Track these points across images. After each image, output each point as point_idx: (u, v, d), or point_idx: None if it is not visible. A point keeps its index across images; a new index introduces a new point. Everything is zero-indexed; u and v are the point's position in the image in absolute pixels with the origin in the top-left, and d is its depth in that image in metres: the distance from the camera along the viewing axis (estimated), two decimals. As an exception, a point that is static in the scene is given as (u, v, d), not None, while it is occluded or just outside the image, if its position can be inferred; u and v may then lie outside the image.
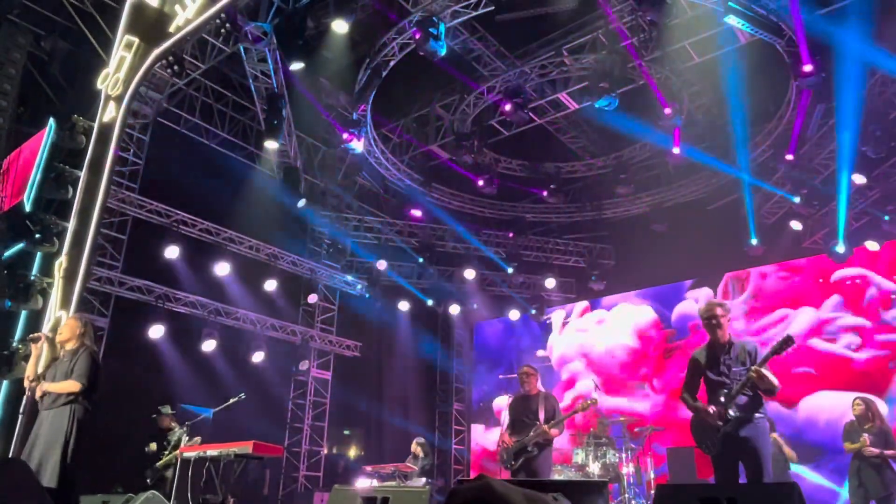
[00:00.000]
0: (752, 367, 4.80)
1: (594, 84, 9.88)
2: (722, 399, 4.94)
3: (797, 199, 11.14)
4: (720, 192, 12.59)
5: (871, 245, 11.17)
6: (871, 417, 7.42)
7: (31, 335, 5.69)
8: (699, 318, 5.32)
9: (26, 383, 5.47)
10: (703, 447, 5.13)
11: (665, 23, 8.86)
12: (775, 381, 4.83)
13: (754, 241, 11.69)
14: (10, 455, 6.43)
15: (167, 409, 9.04)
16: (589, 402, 6.88)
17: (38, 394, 5.25)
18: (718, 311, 5.16)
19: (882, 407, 7.64)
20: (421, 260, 14.39)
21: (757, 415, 4.93)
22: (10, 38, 9.30)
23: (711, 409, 4.97)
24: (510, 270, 14.54)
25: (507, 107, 10.68)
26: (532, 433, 6.63)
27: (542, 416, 6.67)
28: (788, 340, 4.81)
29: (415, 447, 10.70)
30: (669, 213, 12.94)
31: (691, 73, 10.77)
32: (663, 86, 10.42)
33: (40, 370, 5.48)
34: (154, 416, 9.01)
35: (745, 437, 4.86)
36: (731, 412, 4.88)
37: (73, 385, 5.16)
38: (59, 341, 5.55)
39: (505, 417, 7.74)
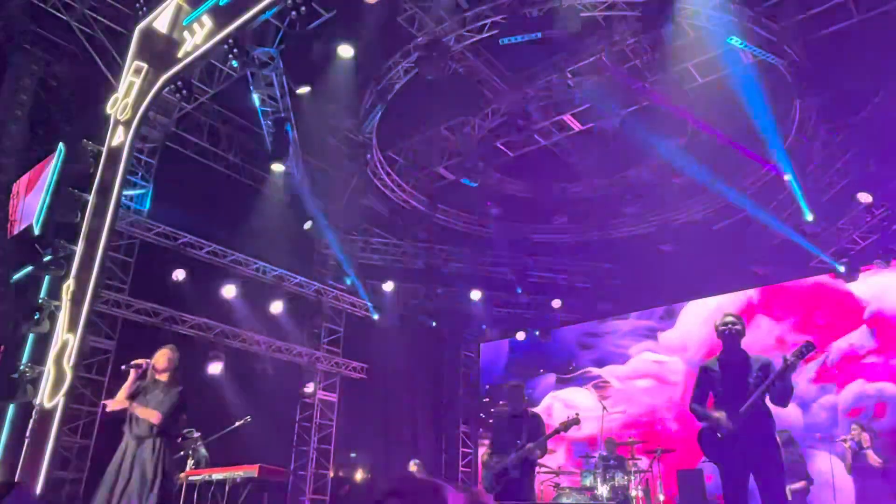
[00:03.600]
0: (788, 356, 4.69)
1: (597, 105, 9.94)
2: (739, 410, 4.86)
3: (810, 218, 11.03)
4: (726, 211, 12.58)
5: (880, 264, 11.12)
6: (867, 438, 7.48)
7: (133, 362, 5.63)
8: (714, 328, 5.27)
9: (111, 406, 5.53)
10: (713, 459, 5.05)
11: (668, 44, 8.94)
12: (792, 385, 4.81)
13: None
14: (17, 477, 6.43)
15: (192, 433, 8.98)
16: (570, 420, 6.50)
17: (113, 406, 5.36)
18: (731, 320, 5.12)
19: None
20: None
21: (768, 430, 4.86)
22: (21, 65, 9.44)
23: (724, 416, 4.87)
24: (519, 290, 14.51)
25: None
26: (514, 454, 6.23)
27: (525, 435, 6.29)
28: (810, 346, 4.74)
29: (412, 468, 10.70)
30: (676, 233, 12.92)
31: (695, 94, 10.82)
32: (666, 107, 10.47)
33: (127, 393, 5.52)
34: (179, 439, 8.93)
35: (760, 451, 4.80)
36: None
37: (153, 414, 5.25)
38: (157, 368, 5.59)
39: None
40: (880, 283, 11.45)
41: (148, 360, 5.62)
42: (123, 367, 5.56)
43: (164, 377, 5.51)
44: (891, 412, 10.70)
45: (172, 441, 5.40)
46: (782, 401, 4.84)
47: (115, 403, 5.47)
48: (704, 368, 5.24)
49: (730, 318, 5.14)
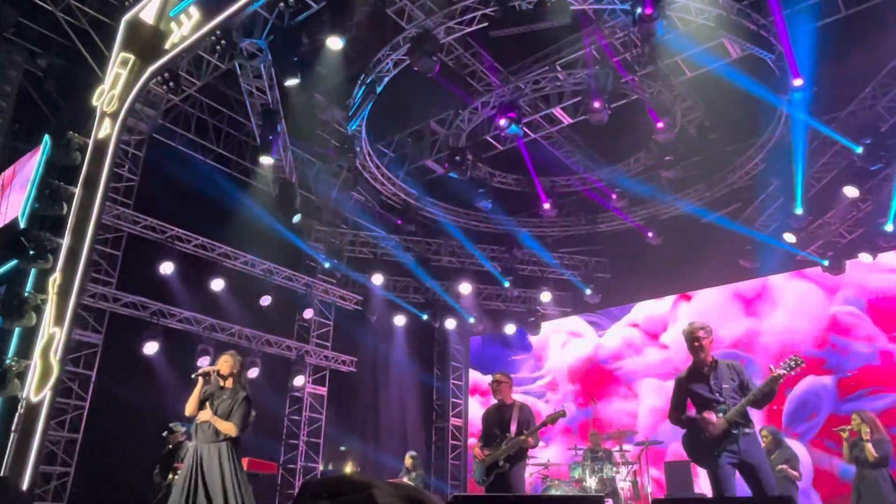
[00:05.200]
0: (776, 370, 4.88)
1: (587, 99, 9.95)
2: (720, 415, 4.97)
3: (800, 211, 11.09)
4: (714, 205, 12.65)
5: (865, 257, 11.22)
6: (867, 430, 7.50)
7: (201, 370, 5.87)
8: (684, 338, 5.36)
9: (189, 412, 5.76)
10: (700, 462, 5.14)
11: (657, 38, 8.94)
12: None
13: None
14: (2, 472, 6.39)
15: (178, 427, 8.93)
16: (558, 412, 6.52)
17: (200, 419, 5.62)
18: (700, 332, 5.23)
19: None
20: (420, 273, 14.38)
21: (749, 429, 4.98)
22: (6, 56, 9.33)
23: (713, 416, 4.98)
24: (507, 284, 14.55)
25: (502, 121, 10.70)
26: (504, 446, 6.25)
27: (514, 427, 6.31)
28: (798, 360, 4.94)
29: (407, 460, 10.77)
30: (664, 227, 12.99)
31: (683, 88, 10.85)
32: (656, 101, 10.50)
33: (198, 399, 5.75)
34: (164, 433, 8.90)
35: (744, 449, 4.91)
36: (732, 430, 4.92)
37: (231, 428, 5.54)
38: (221, 375, 5.82)
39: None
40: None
41: (214, 368, 5.87)
42: (193, 375, 5.85)
43: (228, 382, 5.79)
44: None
45: (239, 442, 5.70)
46: (762, 405, 5.04)
47: (189, 411, 5.75)
48: (679, 381, 5.37)
49: (696, 329, 5.26)
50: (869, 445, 7.34)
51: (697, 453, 5.13)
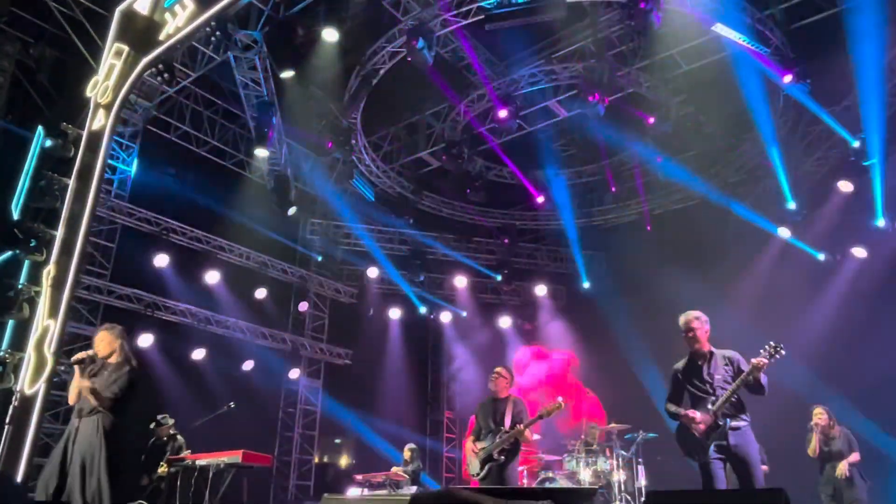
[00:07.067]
0: (755, 360, 4.85)
1: (583, 92, 9.93)
2: (709, 406, 4.96)
3: (792, 206, 11.13)
4: (709, 199, 12.65)
5: (858, 252, 11.27)
6: (832, 426, 7.54)
7: (74, 357, 5.40)
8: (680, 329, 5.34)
9: (72, 400, 5.41)
10: (691, 456, 5.14)
11: (654, 31, 8.94)
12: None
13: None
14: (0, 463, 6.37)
15: (167, 420, 8.93)
16: (554, 406, 6.43)
17: (73, 390, 5.27)
18: (694, 323, 5.19)
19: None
20: (419, 263, 14.37)
21: (742, 423, 4.96)
22: (0, 47, 9.26)
23: (697, 414, 4.99)
24: (499, 278, 14.56)
25: (502, 113, 10.67)
26: (498, 440, 6.23)
27: (508, 420, 6.26)
28: (778, 347, 4.90)
29: (406, 453, 10.80)
30: (659, 220, 12.99)
31: (679, 82, 10.84)
32: (651, 94, 10.50)
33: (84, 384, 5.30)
34: (152, 425, 8.89)
35: (734, 444, 4.88)
36: (719, 421, 4.90)
37: (101, 399, 5.16)
38: (100, 356, 5.41)
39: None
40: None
41: (90, 353, 5.40)
42: (70, 361, 5.39)
43: (114, 359, 5.38)
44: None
45: (122, 419, 5.31)
46: (759, 392, 4.98)
47: (72, 399, 5.40)
48: (675, 370, 5.35)
49: (690, 319, 5.22)
50: (842, 439, 7.42)
51: (687, 447, 5.13)
